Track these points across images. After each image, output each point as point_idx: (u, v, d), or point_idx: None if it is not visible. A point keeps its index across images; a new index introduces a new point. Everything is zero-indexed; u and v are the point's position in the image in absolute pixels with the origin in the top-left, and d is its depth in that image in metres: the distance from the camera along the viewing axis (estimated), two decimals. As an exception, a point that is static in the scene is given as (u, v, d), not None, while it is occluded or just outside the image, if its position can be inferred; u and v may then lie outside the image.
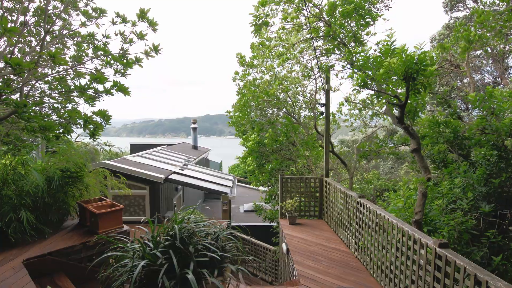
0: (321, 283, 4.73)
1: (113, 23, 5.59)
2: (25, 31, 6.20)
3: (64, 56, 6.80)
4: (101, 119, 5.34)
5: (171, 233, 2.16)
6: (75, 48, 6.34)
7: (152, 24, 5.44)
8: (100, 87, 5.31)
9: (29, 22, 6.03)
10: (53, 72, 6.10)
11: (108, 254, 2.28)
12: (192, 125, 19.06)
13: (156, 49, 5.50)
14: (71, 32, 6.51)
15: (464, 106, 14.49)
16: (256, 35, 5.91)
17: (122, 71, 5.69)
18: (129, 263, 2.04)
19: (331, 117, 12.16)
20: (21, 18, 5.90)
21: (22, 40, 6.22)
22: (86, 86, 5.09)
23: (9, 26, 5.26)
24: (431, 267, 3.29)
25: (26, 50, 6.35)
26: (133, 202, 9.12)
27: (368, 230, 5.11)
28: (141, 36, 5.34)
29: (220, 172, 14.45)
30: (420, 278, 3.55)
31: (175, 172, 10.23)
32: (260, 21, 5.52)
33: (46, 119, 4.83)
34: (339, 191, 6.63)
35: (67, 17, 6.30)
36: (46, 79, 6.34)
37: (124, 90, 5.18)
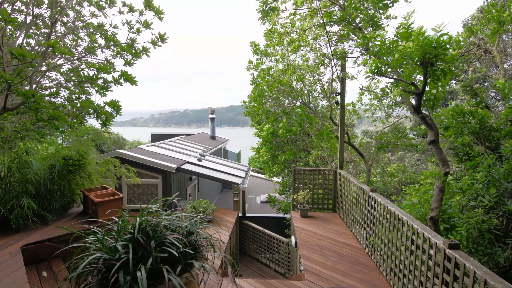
0: (326, 279, 4.56)
1: (120, 13, 5.60)
2: (40, 23, 6.38)
3: (78, 47, 6.97)
4: (112, 109, 5.45)
5: (130, 226, 2.11)
6: (87, 39, 6.45)
7: (158, 13, 5.39)
8: (109, 77, 5.39)
9: (44, 15, 6.18)
10: (68, 63, 6.24)
11: (74, 245, 2.28)
12: (210, 116, 19.15)
13: (162, 38, 5.46)
14: (84, 24, 6.62)
15: (500, 95, 13.33)
16: (264, 22, 5.68)
17: (130, 60, 5.74)
18: (86, 257, 2.01)
19: (351, 107, 11.67)
20: (36, 10, 6.07)
21: (38, 32, 6.41)
22: (94, 77, 5.17)
23: (24, 19, 5.41)
24: (440, 269, 3.03)
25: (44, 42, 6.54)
26: (146, 191, 9.33)
27: (379, 226, 4.85)
28: (146, 24, 5.31)
29: (234, 163, 14.44)
30: (429, 280, 3.29)
31: (188, 162, 10.31)
32: (267, 6, 5.27)
33: (56, 109, 4.97)
34: (352, 184, 6.36)
35: (79, 7, 6.41)
36: (62, 70, 6.53)
37: (130, 79, 5.19)
